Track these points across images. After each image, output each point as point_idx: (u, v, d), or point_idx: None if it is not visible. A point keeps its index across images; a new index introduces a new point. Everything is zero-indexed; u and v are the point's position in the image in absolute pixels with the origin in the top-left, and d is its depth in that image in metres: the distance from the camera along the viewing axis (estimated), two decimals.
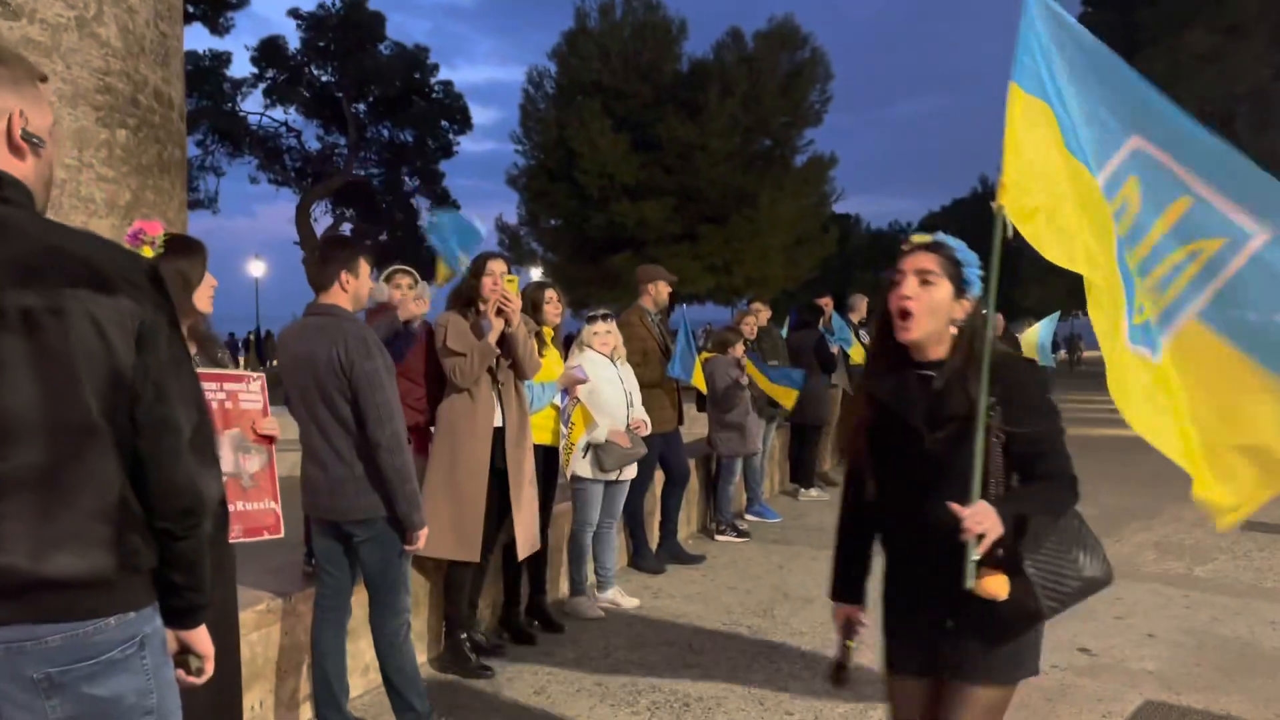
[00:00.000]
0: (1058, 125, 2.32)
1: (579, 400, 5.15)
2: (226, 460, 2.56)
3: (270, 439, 2.73)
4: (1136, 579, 6.02)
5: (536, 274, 25.21)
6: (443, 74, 33.85)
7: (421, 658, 4.38)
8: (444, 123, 33.81)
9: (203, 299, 2.65)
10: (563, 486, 5.25)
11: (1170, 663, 4.57)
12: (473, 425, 4.20)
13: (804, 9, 32.55)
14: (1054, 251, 2.25)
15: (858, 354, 9.29)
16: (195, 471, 1.64)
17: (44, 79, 1.65)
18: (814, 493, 8.89)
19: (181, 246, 2.65)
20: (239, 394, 2.61)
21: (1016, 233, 2.24)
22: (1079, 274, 2.30)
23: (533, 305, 4.92)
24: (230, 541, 2.62)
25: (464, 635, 4.41)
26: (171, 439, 1.62)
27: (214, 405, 2.55)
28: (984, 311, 2.19)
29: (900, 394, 2.21)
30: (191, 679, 1.79)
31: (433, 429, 4.37)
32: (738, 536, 7.17)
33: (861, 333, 10.54)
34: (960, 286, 2.17)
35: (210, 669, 1.81)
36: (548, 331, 5.03)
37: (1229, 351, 2.40)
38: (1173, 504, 7.75)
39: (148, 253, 2.57)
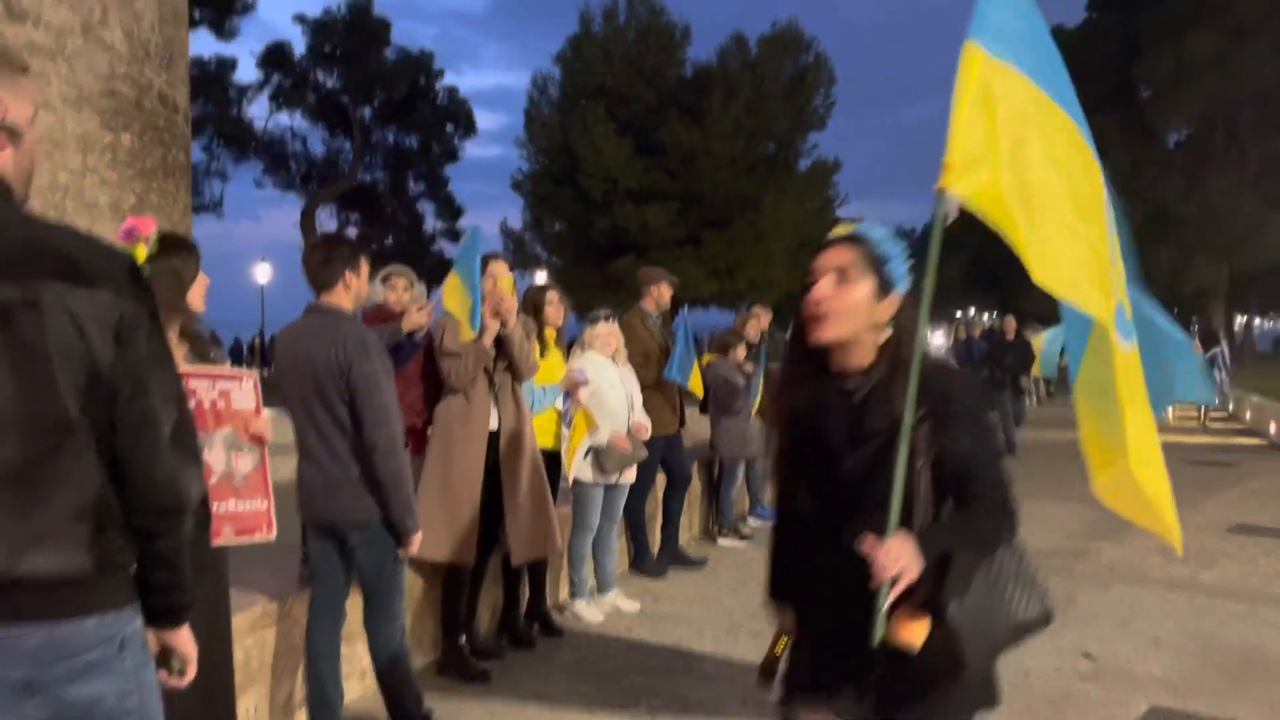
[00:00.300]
0: (1037, 87, 1.98)
1: (581, 403, 5.11)
2: (219, 459, 2.53)
3: (262, 439, 2.70)
4: (1141, 584, 5.97)
5: (541, 278, 25.26)
6: (450, 80, 34.15)
7: (420, 661, 4.35)
8: (449, 127, 33.90)
9: (195, 297, 2.63)
10: (563, 491, 5.21)
11: (1176, 668, 4.52)
12: (468, 427, 4.17)
13: (807, 14, 32.60)
14: (1035, 261, 1.90)
15: None
16: (176, 469, 1.61)
17: (25, 69, 1.62)
18: None
19: (176, 244, 2.63)
20: (231, 393, 2.58)
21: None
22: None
23: (534, 307, 4.89)
24: (224, 543, 2.59)
25: (462, 639, 4.37)
26: (151, 436, 1.59)
27: (206, 404, 2.53)
28: (916, 312, 1.90)
29: (818, 407, 1.95)
30: (174, 681, 1.77)
31: (430, 430, 4.34)
32: (740, 540, 7.12)
33: None
34: (884, 284, 1.89)
35: (193, 671, 1.78)
36: (550, 334, 5.00)
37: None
38: (1178, 508, 7.71)
39: (142, 250, 2.55)
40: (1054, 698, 4.12)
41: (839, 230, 1.96)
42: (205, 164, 31.35)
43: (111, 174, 6.57)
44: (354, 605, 3.64)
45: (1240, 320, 43.87)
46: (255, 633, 3.52)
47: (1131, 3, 29.04)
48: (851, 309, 1.87)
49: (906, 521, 1.81)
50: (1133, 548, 6.88)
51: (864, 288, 1.87)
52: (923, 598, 1.79)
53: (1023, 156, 1.92)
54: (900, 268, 1.90)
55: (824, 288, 1.88)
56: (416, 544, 3.39)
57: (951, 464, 1.85)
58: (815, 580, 2.00)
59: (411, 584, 4.19)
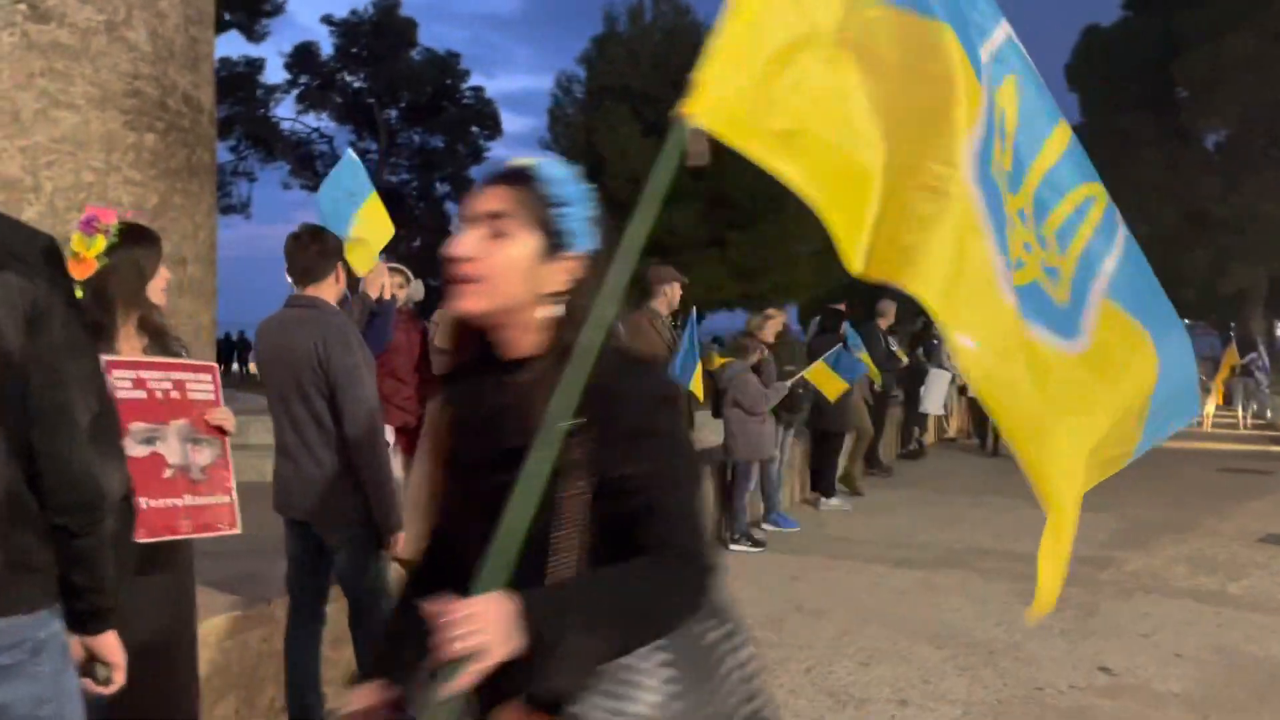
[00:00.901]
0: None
1: None
2: (174, 451, 2.45)
3: (222, 431, 2.62)
4: (1165, 595, 5.76)
5: None
6: (481, 83, 34.31)
7: None
8: (474, 128, 34.05)
9: (156, 291, 2.55)
10: None
11: (1198, 684, 4.32)
12: None
13: None
14: (836, 216, 1.49)
15: (868, 361, 9.25)
16: (94, 463, 1.52)
17: None
18: (835, 502, 8.70)
19: (137, 235, 2.55)
20: (187, 384, 2.50)
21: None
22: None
23: None
24: (183, 537, 2.50)
25: None
26: (67, 428, 1.50)
27: (159, 394, 2.45)
28: (600, 280, 1.34)
29: (473, 408, 1.44)
30: (100, 689, 1.67)
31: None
32: (753, 546, 6.98)
33: (891, 339, 10.33)
34: (554, 240, 1.35)
35: (121, 679, 1.69)
36: None
37: (1141, 335, 1.75)
38: (1207, 517, 7.43)
39: (102, 241, 2.47)
40: (1068, 714, 3.94)
41: (505, 165, 1.42)
42: (233, 165, 31.71)
43: (135, 173, 6.55)
44: (343, 609, 3.55)
45: None
46: (235, 636, 3.44)
47: (1169, 2, 28.56)
48: (505, 272, 1.33)
49: (537, 576, 1.27)
50: (1158, 558, 6.66)
51: (524, 244, 1.34)
52: (539, 691, 1.22)
53: (824, 78, 1.48)
54: (578, 218, 1.37)
55: (469, 242, 1.35)
56: (400, 544, 3.29)
57: (619, 497, 1.29)
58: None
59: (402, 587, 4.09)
